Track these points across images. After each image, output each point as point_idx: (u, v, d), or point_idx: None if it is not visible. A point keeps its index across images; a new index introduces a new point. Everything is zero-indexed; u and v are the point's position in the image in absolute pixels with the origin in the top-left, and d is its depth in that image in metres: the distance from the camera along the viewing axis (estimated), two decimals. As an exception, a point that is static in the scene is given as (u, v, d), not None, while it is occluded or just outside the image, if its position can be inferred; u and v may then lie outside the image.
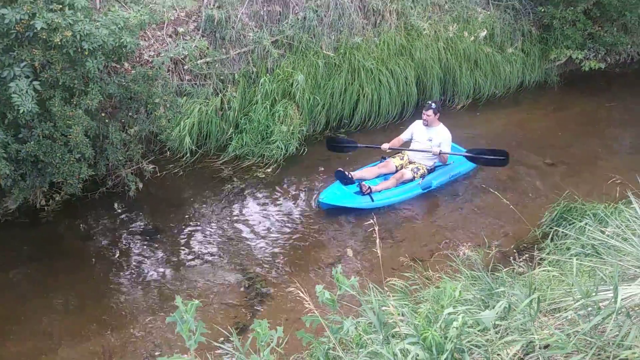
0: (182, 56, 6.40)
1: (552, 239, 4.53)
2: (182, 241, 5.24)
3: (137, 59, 6.22)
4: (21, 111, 4.00)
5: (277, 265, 4.99)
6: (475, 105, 8.14)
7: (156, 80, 5.17)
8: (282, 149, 6.33)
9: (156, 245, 5.19)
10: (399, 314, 1.99)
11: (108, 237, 5.27)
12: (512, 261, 3.23)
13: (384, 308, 2.24)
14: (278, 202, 5.87)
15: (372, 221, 2.71)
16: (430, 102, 6.04)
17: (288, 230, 5.52)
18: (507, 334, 2.27)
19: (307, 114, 6.80)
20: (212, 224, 5.52)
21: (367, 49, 7.23)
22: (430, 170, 6.13)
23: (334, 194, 5.73)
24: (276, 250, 5.24)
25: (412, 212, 5.80)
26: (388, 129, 7.21)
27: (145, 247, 5.19)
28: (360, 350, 2.24)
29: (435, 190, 6.07)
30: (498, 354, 2.15)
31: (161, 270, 4.90)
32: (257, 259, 5.06)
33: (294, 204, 5.90)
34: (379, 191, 5.81)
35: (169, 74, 6.16)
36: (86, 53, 4.02)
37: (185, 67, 6.52)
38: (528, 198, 5.88)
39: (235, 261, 4.99)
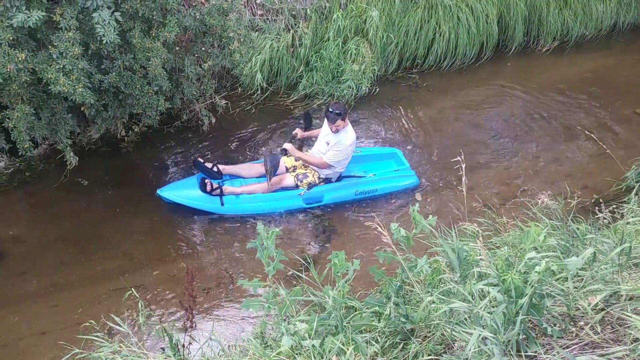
0: (256, -10, 6.31)
1: (637, 194, 4.25)
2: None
3: (211, -8, 6.19)
4: (104, 41, 4.10)
5: (343, 205, 5.02)
6: (561, 48, 7.57)
7: (230, 14, 5.13)
8: (353, 88, 6.21)
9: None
10: (478, 255, 1.94)
11: (181, 168, 5.46)
12: (598, 212, 3.05)
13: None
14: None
15: (459, 158, 2.61)
16: (330, 110, 4.63)
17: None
18: (589, 284, 2.18)
19: (380, 53, 6.58)
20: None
21: (446, -16, 6.81)
22: (327, 181, 4.98)
23: (179, 186, 4.89)
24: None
25: (488, 157, 5.59)
26: (465, 71, 6.88)
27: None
28: (433, 289, 2.22)
29: (509, 137, 5.75)
30: (578, 304, 2.08)
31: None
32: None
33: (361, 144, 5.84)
34: (238, 194, 4.83)
35: (242, 8, 6.10)
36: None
37: (258, 1, 6.43)
38: (613, 149, 5.51)
39: None
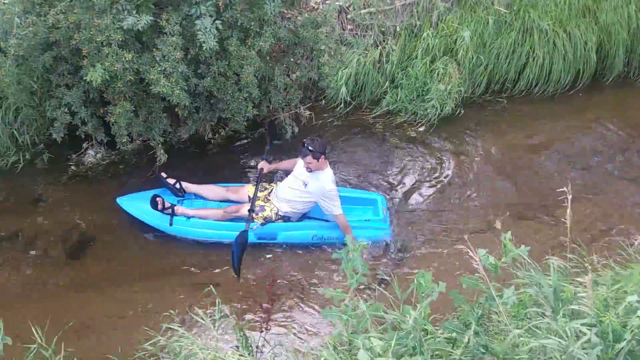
0: (347, 4, 6.40)
1: None
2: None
3: (304, 4, 6.36)
4: (204, 48, 4.32)
5: (419, 226, 4.94)
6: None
7: (322, 27, 5.24)
8: (437, 108, 6.12)
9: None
10: (574, 293, 1.84)
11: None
12: None
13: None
14: (426, 163, 5.75)
15: (565, 188, 2.47)
16: (305, 144, 4.38)
17: (432, 193, 5.41)
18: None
19: (468, 74, 6.45)
20: (360, 176, 5.60)
21: (544, 8, 6.57)
22: (285, 219, 4.71)
23: (137, 197, 4.84)
24: (419, 211, 5.19)
25: (577, 191, 5.30)
26: (557, 99, 6.59)
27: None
28: (519, 323, 2.13)
29: (601, 172, 5.43)
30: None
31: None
32: (400, 217, 5.05)
33: (442, 166, 5.73)
34: (189, 217, 4.68)
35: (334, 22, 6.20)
36: (267, -5, 4.19)
37: (349, 16, 6.52)
38: None
39: None
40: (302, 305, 4.04)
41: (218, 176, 5.56)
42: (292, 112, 5.80)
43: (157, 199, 4.70)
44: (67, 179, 5.41)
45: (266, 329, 2.61)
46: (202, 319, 2.63)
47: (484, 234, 4.74)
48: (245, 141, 5.90)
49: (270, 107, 5.59)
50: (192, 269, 4.44)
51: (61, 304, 4.18)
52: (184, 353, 2.40)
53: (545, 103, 6.52)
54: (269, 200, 4.78)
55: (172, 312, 3.06)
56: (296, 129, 5.76)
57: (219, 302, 2.90)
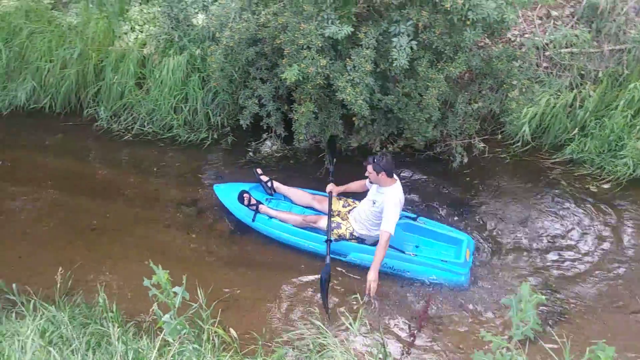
0: (547, 41, 6.03)
1: None
2: (480, 224, 5.16)
3: (499, 35, 6.14)
4: (394, 65, 4.40)
5: (579, 292, 4.47)
6: None
7: (517, 61, 5.01)
8: (629, 167, 5.47)
9: (455, 216, 5.23)
10: None
11: (418, 194, 5.52)
12: None
13: None
14: (604, 226, 5.16)
15: None
16: (374, 157, 4.35)
17: (603, 258, 4.85)
18: None
19: (676, 137, 5.66)
20: (519, 220, 5.23)
21: None
22: (359, 240, 4.60)
23: (232, 189, 5.01)
24: (584, 275, 4.70)
25: None
26: None
27: (443, 213, 5.29)
28: None
29: None
30: None
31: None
32: (555, 277, 4.63)
33: (621, 233, 5.11)
34: (270, 217, 4.78)
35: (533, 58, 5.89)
36: (468, 23, 4.12)
37: (547, 53, 6.14)
38: None
39: (527, 270, 4.69)
40: (448, 338, 3.91)
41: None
42: (466, 141, 5.63)
43: (245, 194, 4.94)
44: (244, 163, 5.91)
45: (407, 352, 2.55)
46: (351, 325, 2.67)
47: None
48: (408, 159, 5.88)
49: (444, 132, 5.50)
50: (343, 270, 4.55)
51: (219, 274, 4.57)
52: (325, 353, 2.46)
53: None
54: (347, 218, 4.77)
55: (314, 309, 3.16)
56: (465, 159, 5.58)
57: (361, 313, 2.93)
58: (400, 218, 4.55)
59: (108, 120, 6.29)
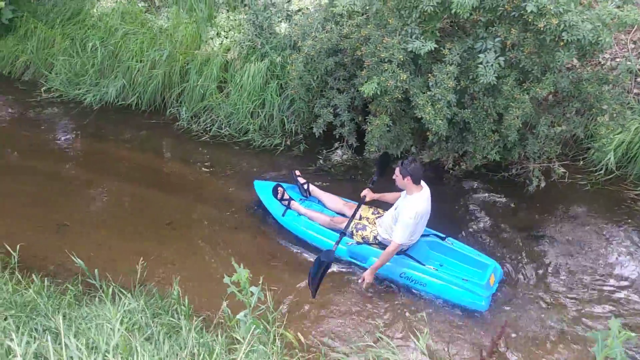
0: (640, 66, 5.72)
1: None
2: (552, 254, 4.90)
3: (589, 57, 5.88)
4: (480, 81, 4.31)
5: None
6: None
7: (608, 85, 4.78)
8: None
9: (527, 246, 5.01)
10: None
11: (488, 215, 5.36)
12: None
13: None
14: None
15: None
16: (406, 160, 4.21)
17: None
18: None
19: None
20: (594, 255, 4.94)
21: None
22: (382, 246, 4.47)
23: (270, 185, 5.17)
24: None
25: None
26: None
27: (515, 241, 5.06)
28: None
29: None
30: None
31: (520, 271, 4.73)
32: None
33: None
34: (300, 214, 4.91)
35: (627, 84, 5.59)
36: (561, 44, 3.98)
37: (638, 79, 5.81)
38: None
39: (590, 305, 4.41)
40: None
41: (451, 208, 5.50)
42: (544, 165, 5.41)
43: (279, 188, 5.10)
44: (314, 170, 5.97)
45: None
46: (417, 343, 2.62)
47: None
48: (476, 183, 5.71)
49: (522, 154, 5.32)
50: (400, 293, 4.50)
51: (282, 278, 4.62)
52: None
53: None
54: (374, 223, 4.75)
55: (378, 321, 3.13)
56: (543, 184, 5.36)
57: (427, 332, 2.87)
58: (427, 235, 4.57)
59: (188, 121, 6.56)
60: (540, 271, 4.70)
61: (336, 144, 6.15)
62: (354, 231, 4.70)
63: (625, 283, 4.66)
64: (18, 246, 4.06)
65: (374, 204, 5.01)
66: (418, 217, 4.22)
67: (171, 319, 3.57)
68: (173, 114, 6.70)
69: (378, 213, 4.86)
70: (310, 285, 4.03)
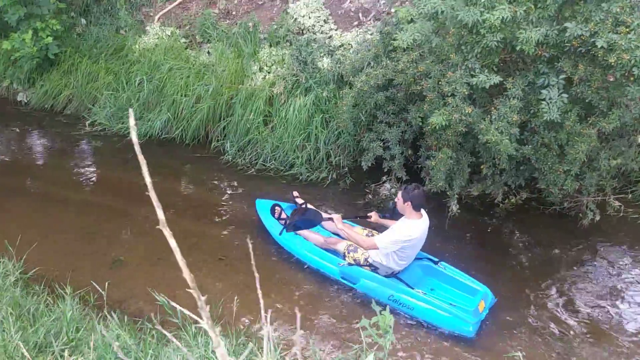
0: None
1: None
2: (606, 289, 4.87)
3: None
4: (544, 118, 4.32)
5: None
6: None
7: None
8: None
9: (577, 278, 4.96)
10: None
11: (540, 248, 5.33)
12: None
13: None
14: None
15: None
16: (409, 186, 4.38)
17: None
18: None
19: None
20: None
21: None
22: (373, 268, 4.56)
23: (269, 204, 5.36)
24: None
25: None
26: None
27: (562, 273, 5.06)
28: None
29: None
30: None
31: (589, 307, 4.66)
32: None
33: None
34: (296, 234, 5.01)
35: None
36: (632, 79, 4.03)
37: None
38: None
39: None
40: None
41: (497, 242, 5.48)
42: (599, 198, 5.41)
43: (277, 207, 5.25)
44: (362, 205, 5.95)
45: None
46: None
47: None
48: (526, 216, 5.68)
49: (577, 187, 5.32)
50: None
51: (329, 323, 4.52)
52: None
53: None
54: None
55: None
56: (597, 217, 5.35)
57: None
58: (420, 259, 4.71)
59: (233, 155, 6.56)
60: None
61: (384, 178, 6.14)
62: (346, 253, 4.80)
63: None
64: (107, 284, 3.98)
65: (369, 226, 5.10)
66: (410, 241, 4.35)
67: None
68: (217, 147, 6.71)
69: (371, 234, 4.89)
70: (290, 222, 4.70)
